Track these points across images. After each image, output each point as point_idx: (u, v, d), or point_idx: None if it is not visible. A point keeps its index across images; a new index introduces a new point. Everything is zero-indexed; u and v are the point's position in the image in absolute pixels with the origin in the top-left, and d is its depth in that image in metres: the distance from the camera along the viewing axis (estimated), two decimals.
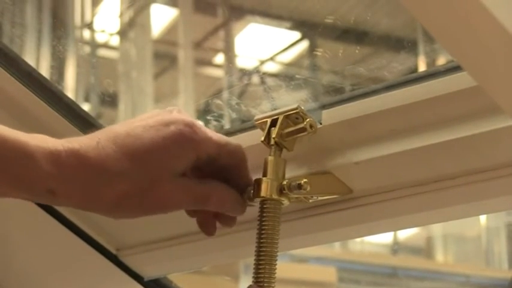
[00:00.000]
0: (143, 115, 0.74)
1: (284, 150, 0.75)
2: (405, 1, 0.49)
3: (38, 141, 0.67)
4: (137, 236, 0.95)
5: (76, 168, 0.68)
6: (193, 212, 0.77)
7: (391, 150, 0.73)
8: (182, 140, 0.71)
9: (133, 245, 0.97)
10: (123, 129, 0.70)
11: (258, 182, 0.73)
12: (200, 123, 0.73)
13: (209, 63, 5.22)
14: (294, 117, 0.75)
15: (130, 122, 0.72)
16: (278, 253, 0.73)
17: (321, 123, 0.76)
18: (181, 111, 0.73)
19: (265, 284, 0.72)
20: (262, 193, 0.73)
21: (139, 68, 4.36)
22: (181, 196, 0.72)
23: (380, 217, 0.77)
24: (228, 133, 0.85)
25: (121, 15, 4.31)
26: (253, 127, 0.79)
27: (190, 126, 0.71)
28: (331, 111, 0.76)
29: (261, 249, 0.72)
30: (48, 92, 0.94)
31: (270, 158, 0.74)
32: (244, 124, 0.83)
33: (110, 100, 4.37)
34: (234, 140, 0.82)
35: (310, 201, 0.76)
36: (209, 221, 0.77)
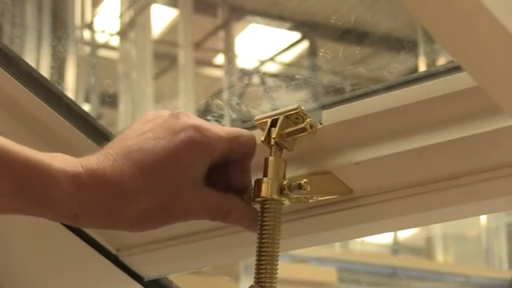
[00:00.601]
0: (151, 117, 0.73)
1: (284, 150, 0.75)
2: (405, 1, 0.49)
3: (59, 162, 0.67)
4: (137, 236, 0.95)
5: (97, 190, 0.68)
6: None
7: (391, 150, 0.73)
8: (194, 146, 0.70)
9: (133, 245, 0.97)
10: (134, 141, 0.70)
11: (259, 182, 0.73)
12: (208, 123, 0.73)
13: (209, 64, 5.22)
14: (294, 117, 0.75)
15: (140, 132, 0.71)
16: (279, 253, 0.73)
17: (321, 124, 0.76)
18: (188, 114, 0.73)
19: (266, 284, 0.72)
20: (263, 193, 0.73)
21: (139, 68, 4.36)
22: (201, 207, 0.72)
23: (380, 217, 0.77)
24: None
25: (121, 15, 4.31)
26: (253, 127, 0.79)
27: (200, 130, 0.71)
28: (331, 112, 0.76)
29: (262, 250, 0.73)
30: (48, 92, 0.94)
31: (271, 158, 0.74)
32: (245, 124, 0.83)
33: (110, 100, 4.37)
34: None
35: (310, 201, 0.76)
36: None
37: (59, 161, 0.67)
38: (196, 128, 0.71)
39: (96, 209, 0.68)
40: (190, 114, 0.73)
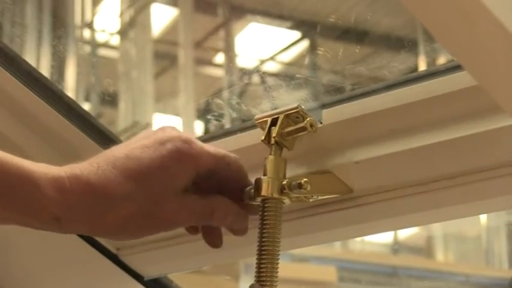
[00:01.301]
0: (138, 136, 0.74)
1: (284, 149, 0.75)
2: (405, 1, 0.49)
3: (41, 167, 0.67)
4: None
5: (80, 194, 0.67)
6: (195, 230, 0.77)
7: (391, 149, 0.73)
8: (180, 156, 0.71)
9: (133, 244, 0.97)
10: (121, 151, 0.70)
11: (259, 182, 0.74)
12: (195, 138, 0.74)
13: (209, 63, 5.22)
14: (294, 116, 0.75)
15: (127, 144, 0.72)
16: (280, 252, 0.73)
17: (321, 123, 0.76)
18: (175, 128, 0.74)
19: (267, 283, 0.72)
20: (263, 192, 0.73)
21: (139, 67, 4.36)
22: (185, 213, 0.72)
23: (380, 216, 0.77)
24: (229, 133, 0.85)
25: (121, 14, 4.31)
26: (253, 126, 0.79)
27: (187, 142, 0.71)
28: (331, 111, 0.76)
29: (263, 249, 0.73)
30: (48, 91, 0.94)
31: (271, 157, 0.74)
32: (245, 123, 0.83)
33: (110, 99, 4.37)
34: (234, 139, 0.82)
35: (311, 200, 0.76)
36: (214, 233, 0.77)
37: (40, 166, 0.67)
38: (184, 140, 0.72)
39: (79, 214, 0.68)
40: (176, 128, 0.74)
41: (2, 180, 0.65)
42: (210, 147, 0.73)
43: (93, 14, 4.38)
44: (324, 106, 0.77)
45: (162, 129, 0.73)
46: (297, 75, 0.95)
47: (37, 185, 0.66)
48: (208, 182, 0.74)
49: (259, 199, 0.74)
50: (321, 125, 0.76)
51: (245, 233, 0.77)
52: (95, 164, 0.69)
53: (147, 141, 0.71)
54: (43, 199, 0.66)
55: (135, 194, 0.69)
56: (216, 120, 0.99)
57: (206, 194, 0.74)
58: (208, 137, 0.87)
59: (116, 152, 0.71)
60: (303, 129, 0.75)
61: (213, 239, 0.77)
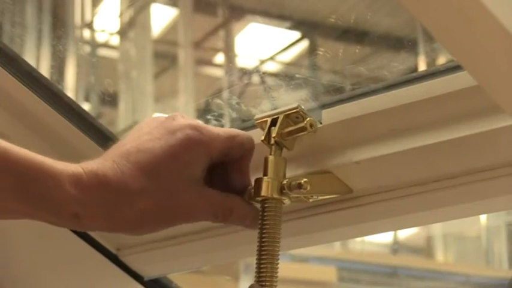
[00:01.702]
0: (146, 125, 0.73)
1: (284, 149, 0.75)
2: (405, 1, 0.49)
3: (59, 164, 0.67)
4: (137, 236, 0.95)
5: (98, 190, 0.68)
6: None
7: (391, 149, 0.73)
8: (191, 144, 0.70)
9: (133, 244, 0.97)
10: (133, 145, 0.70)
11: (259, 182, 0.73)
12: (204, 124, 0.73)
13: (209, 63, 5.22)
14: (294, 116, 0.75)
15: (137, 136, 0.72)
16: (279, 252, 0.73)
17: (321, 123, 0.76)
18: (184, 115, 0.73)
19: (267, 283, 0.72)
20: (263, 192, 0.73)
21: (139, 67, 4.36)
22: (202, 205, 0.72)
23: (380, 217, 0.77)
24: None
25: (121, 14, 4.31)
26: (253, 126, 0.79)
27: (197, 128, 0.71)
28: (331, 111, 0.76)
29: (262, 249, 0.73)
30: (48, 91, 0.94)
31: (270, 158, 0.74)
32: (245, 123, 0.83)
33: (110, 100, 4.37)
34: None
35: (310, 200, 0.76)
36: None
37: (59, 163, 0.68)
38: (194, 127, 0.71)
39: (97, 210, 0.68)
40: (185, 115, 0.73)
41: (25, 175, 0.65)
42: (221, 130, 0.73)
43: (93, 14, 4.37)
44: (324, 106, 0.77)
45: (172, 117, 0.73)
46: (297, 75, 0.95)
47: (57, 181, 0.66)
48: (224, 164, 0.73)
49: (259, 199, 0.74)
50: (321, 125, 0.76)
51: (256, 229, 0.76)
52: (109, 159, 0.69)
53: (157, 132, 0.71)
54: (63, 195, 0.66)
55: (150, 187, 0.69)
56: (216, 120, 0.99)
57: (226, 191, 0.73)
58: None
59: (128, 145, 0.70)
60: (303, 129, 0.75)
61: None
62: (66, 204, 0.67)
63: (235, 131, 0.74)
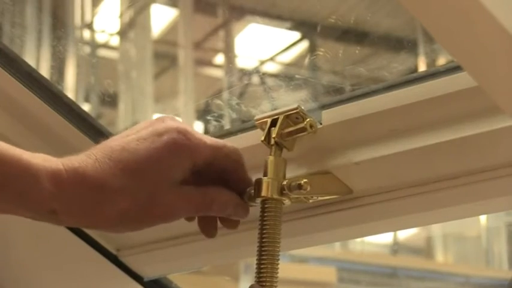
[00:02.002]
0: (137, 126, 0.73)
1: (284, 150, 0.75)
2: (405, 1, 0.49)
3: (39, 159, 0.67)
4: (137, 236, 0.95)
5: (77, 187, 0.67)
6: (192, 217, 0.77)
7: (391, 150, 0.73)
8: (176, 148, 0.70)
9: (133, 245, 0.97)
10: (118, 143, 0.70)
11: (259, 182, 0.74)
12: (194, 129, 0.73)
13: (209, 64, 5.22)
14: (294, 117, 0.75)
15: (125, 134, 0.72)
16: (280, 253, 0.73)
17: (321, 123, 0.76)
18: (174, 118, 0.73)
19: (267, 284, 0.72)
20: (263, 193, 0.73)
21: (139, 68, 4.36)
22: (182, 205, 0.72)
23: (380, 217, 0.77)
24: (228, 133, 0.85)
25: (121, 15, 4.31)
26: (253, 127, 0.79)
27: (183, 133, 0.71)
28: (331, 111, 0.76)
29: (263, 249, 0.73)
30: (48, 92, 0.94)
31: (270, 158, 0.74)
32: (245, 124, 0.83)
33: (110, 100, 4.37)
34: (234, 140, 0.82)
35: (310, 201, 0.76)
36: (210, 223, 0.77)
37: (39, 158, 0.67)
38: (180, 132, 0.71)
39: (75, 206, 0.68)
40: (176, 118, 0.73)
41: (2, 171, 0.65)
42: (208, 138, 0.73)
43: (93, 15, 4.37)
44: (324, 107, 0.77)
45: (161, 119, 0.73)
46: (297, 76, 0.95)
47: (36, 177, 0.66)
48: (208, 173, 0.73)
49: (259, 200, 0.74)
50: (321, 126, 0.76)
51: (236, 227, 0.76)
52: (92, 156, 0.69)
53: (144, 133, 0.71)
54: (41, 192, 0.66)
55: (130, 186, 0.69)
56: (216, 120, 0.99)
57: (204, 185, 0.73)
58: None
59: (113, 143, 0.70)
60: (303, 129, 0.75)
61: (208, 229, 0.77)
62: (44, 200, 0.67)
63: (222, 142, 0.74)
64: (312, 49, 4.41)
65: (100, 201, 0.68)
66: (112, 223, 0.70)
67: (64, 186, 0.67)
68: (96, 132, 0.95)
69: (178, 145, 0.71)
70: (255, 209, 0.75)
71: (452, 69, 0.69)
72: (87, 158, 0.69)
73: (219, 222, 0.77)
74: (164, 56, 4.93)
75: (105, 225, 0.71)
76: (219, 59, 5.20)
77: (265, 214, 0.73)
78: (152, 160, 0.70)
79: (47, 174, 0.66)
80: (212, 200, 0.73)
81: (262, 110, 0.80)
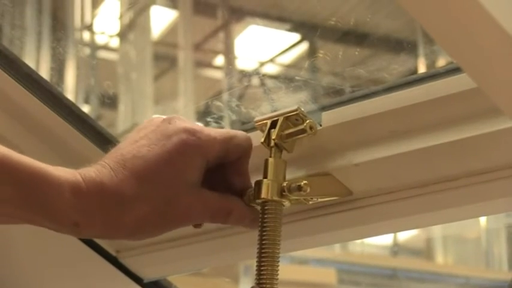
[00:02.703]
0: (143, 128, 0.73)
1: (284, 151, 0.75)
2: (405, 3, 0.49)
3: (59, 171, 0.67)
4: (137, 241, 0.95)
5: (96, 198, 0.68)
6: (200, 224, 0.77)
7: (391, 152, 0.73)
8: (187, 149, 0.70)
9: (133, 246, 0.97)
10: (128, 151, 0.70)
11: (259, 184, 0.73)
12: (201, 126, 0.73)
13: (209, 65, 5.22)
14: (293, 118, 0.75)
15: (133, 140, 0.71)
16: (279, 254, 0.73)
17: (320, 125, 0.76)
18: (180, 118, 0.73)
19: (267, 285, 0.72)
20: (263, 195, 0.73)
21: (139, 69, 4.36)
22: (200, 209, 0.72)
23: (380, 219, 0.77)
24: None
25: (121, 17, 4.31)
26: (253, 129, 0.79)
27: (192, 132, 0.71)
28: (331, 113, 0.76)
29: (263, 251, 0.73)
30: (48, 93, 0.94)
31: (270, 160, 0.74)
32: (244, 126, 0.83)
33: (109, 102, 4.37)
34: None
35: (310, 202, 0.76)
36: None
37: (59, 170, 0.68)
38: (189, 131, 0.71)
39: (96, 217, 0.68)
40: (182, 118, 0.73)
41: (27, 183, 0.65)
42: (218, 132, 0.72)
43: (93, 16, 4.37)
44: (324, 108, 0.77)
45: (168, 120, 0.72)
46: (297, 78, 0.95)
47: (57, 189, 0.66)
48: (222, 166, 0.73)
49: (259, 201, 0.74)
50: (321, 127, 0.76)
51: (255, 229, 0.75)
52: (106, 166, 0.69)
53: (153, 136, 0.71)
54: (62, 203, 0.67)
55: (146, 194, 0.69)
56: (216, 122, 0.99)
57: (224, 192, 0.73)
58: None
59: (124, 151, 0.70)
60: (303, 131, 0.75)
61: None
62: (67, 212, 0.67)
63: (232, 133, 0.73)
64: (311, 51, 4.41)
65: (119, 211, 0.69)
66: (131, 231, 0.70)
67: (84, 197, 0.67)
68: (95, 133, 0.95)
69: (189, 146, 0.70)
70: None
71: (452, 70, 0.69)
72: (102, 168, 0.69)
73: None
74: (164, 57, 4.93)
75: (125, 233, 0.71)
76: (219, 60, 5.20)
77: (265, 216, 0.73)
78: (165, 164, 0.69)
79: (68, 185, 0.67)
80: (231, 210, 0.73)
81: (262, 112, 0.80)
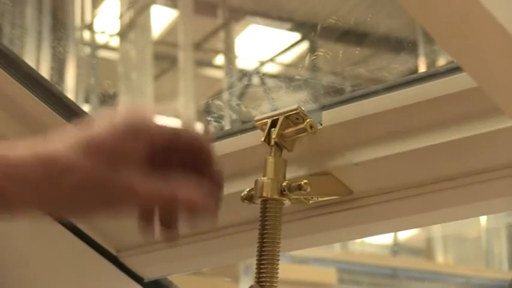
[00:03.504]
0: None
1: (284, 150, 0.75)
2: (405, 2, 0.49)
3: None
4: (137, 237, 0.95)
5: (25, 164, 0.65)
6: (148, 217, 0.71)
7: (390, 151, 0.73)
8: (133, 130, 0.69)
9: (133, 246, 0.97)
10: (74, 127, 0.69)
11: (259, 183, 0.73)
12: (155, 114, 0.72)
13: (209, 64, 5.22)
14: (294, 117, 0.75)
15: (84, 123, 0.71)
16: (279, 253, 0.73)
17: (321, 124, 0.76)
18: (133, 107, 0.72)
19: (267, 284, 0.72)
20: (263, 193, 0.73)
21: (139, 69, 4.36)
22: (141, 190, 0.68)
23: (380, 218, 0.77)
24: (229, 134, 0.85)
25: (121, 16, 4.31)
26: (253, 128, 0.79)
27: (141, 119, 0.70)
28: (331, 112, 0.76)
29: (263, 250, 0.73)
30: (48, 93, 0.94)
31: (270, 159, 0.74)
32: (245, 125, 0.83)
33: (110, 101, 4.37)
34: (234, 140, 0.82)
35: (310, 202, 0.76)
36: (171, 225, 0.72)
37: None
38: (138, 117, 0.70)
39: (26, 185, 0.66)
40: (135, 107, 0.72)
41: None
42: (169, 123, 0.71)
43: (93, 16, 4.38)
44: (324, 107, 0.77)
45: (121, 108, 0.72)
46: (297, 77, 0.95)
47: None
48: (175, 162, 0.70)
49: (259, 200, 0.74)
50: (321, 127, 0.76)
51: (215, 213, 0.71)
52: (44, 137, 0.68)
53: (108, 116, 0.70)
54: None
55: (87, 163, 0.67)
56: (216, 121, 0.99)
57: (168, 176, 0.69)
58: None
59: (69, 127, 0.69)
60: (303, 130, 0.75)
61: (169, 233, 0.72)
62: None
63: (181, 128, 0.71)
64: (312, 50, 4.41)
65: (54, 177, 0.66)
66: (66, 202, 0.68)
67: (10, 162, 0.65)
68: None
69: (135, 127, 0.69)
70: (255, 210, 0.75)
71: (452, 70, 0.69)
72: (39, 138, 0.68)
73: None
74: (164, 57, 4.93)
75: (58, 203, 0.68)
76: (219, 60, 5.20)
77: (266, 215, 0.73)
78: (107, 139, 0.68)
79: None
80: (176, 192, 0.68)
81: (262, 111, 0.80)
